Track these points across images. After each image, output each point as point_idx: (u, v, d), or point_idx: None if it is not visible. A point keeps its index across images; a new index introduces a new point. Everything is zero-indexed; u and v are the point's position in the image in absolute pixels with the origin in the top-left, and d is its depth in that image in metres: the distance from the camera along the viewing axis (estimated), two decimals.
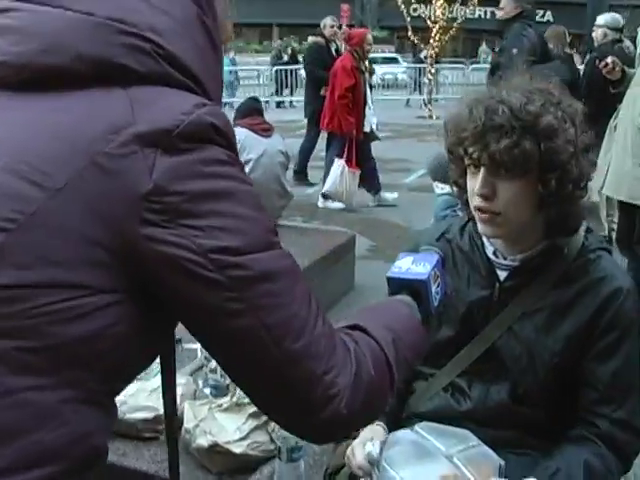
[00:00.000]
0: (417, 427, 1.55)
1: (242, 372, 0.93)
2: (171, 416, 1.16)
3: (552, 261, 1.58)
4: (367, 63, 7.80)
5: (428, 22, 17.89)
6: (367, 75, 7.81)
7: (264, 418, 1.93)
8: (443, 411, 1.64)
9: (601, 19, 6.68)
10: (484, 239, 1.64)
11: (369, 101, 7.76)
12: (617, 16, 6.84)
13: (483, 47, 32.00)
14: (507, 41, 5.78)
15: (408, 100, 21.11)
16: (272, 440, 1.95)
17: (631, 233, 4.11)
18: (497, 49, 8.37)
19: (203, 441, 1.95)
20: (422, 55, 20.41)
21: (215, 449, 1.94)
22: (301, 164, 8.58)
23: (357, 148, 7.35)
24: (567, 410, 1.57)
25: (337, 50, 8.74)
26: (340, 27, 9.33)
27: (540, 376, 1.55)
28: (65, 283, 0.81)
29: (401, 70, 24.92)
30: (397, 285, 1.26)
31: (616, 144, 4.10)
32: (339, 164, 7.20)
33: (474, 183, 1.51)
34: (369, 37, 7.67)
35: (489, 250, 1.64)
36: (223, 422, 1.98)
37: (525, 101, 1.46)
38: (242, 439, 1.95)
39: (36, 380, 0.80)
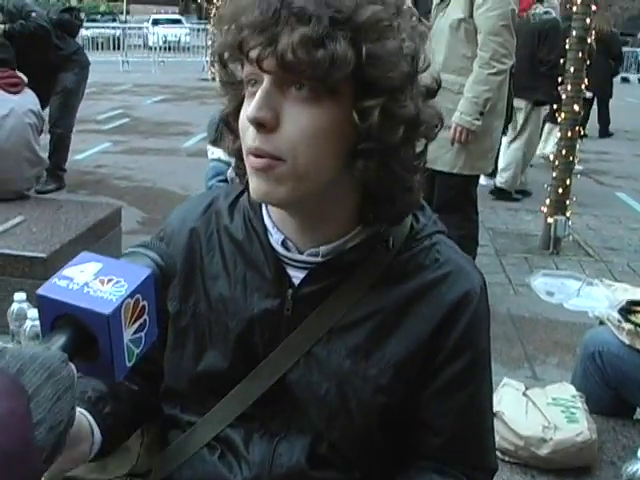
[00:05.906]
0: None
1: None
2: None
3: (372, 256, 1.04)
4: None
5: None
6: None
7: None
8: None
9: None
10: (267, 223, 1.07)
11: None
12: None
13: None
14: None
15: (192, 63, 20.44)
16: None
17: (429, 202, 3.75)
18: None
19: None
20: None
21: None
22: None
23: None
24: (393, 464, 1.08)
25: None
26: None
27: (357, 422, 1.03)
28: None
29: (185, 32, 24.42)
30: (54, 312, 0.67)
31: None
32: None
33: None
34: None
35: (275, 240, 1.05)
36: None
37: None
38: None
39: None
